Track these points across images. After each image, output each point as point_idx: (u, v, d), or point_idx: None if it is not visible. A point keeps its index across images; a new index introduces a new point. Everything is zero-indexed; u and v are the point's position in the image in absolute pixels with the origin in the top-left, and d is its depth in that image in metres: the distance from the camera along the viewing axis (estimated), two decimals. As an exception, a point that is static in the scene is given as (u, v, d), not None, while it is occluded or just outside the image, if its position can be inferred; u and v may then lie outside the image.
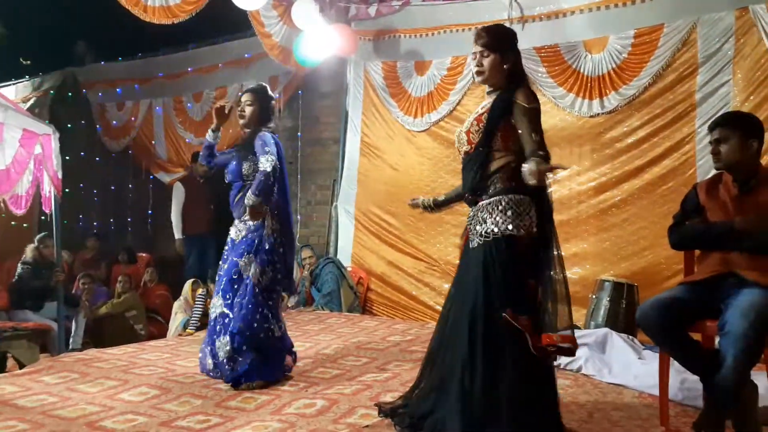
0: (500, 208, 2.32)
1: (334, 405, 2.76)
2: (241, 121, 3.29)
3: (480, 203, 2.39)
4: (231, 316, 3.12)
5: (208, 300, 4.98)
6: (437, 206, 2.82)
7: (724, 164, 2.56)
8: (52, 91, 7.80)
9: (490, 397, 2.19)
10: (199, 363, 3.31)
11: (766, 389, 2.57)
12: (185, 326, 4.89)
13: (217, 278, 3.30)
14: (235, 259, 3.20)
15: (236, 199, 3.25)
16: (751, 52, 4.14)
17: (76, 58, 8.07)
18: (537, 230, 2.33)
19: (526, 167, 2.13)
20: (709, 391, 2.37)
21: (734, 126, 2.55)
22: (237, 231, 3.29)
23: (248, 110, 3.26)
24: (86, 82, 7.80)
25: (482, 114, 2.40)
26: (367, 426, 2.48)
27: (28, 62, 7.77)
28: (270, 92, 3.37)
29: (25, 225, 6.26)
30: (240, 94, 3.33)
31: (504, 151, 2.35)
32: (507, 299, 2.25)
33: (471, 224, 2.42)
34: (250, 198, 3.06)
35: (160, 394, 2.97)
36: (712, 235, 2.54)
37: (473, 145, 2.39)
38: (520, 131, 2.31)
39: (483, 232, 2.34)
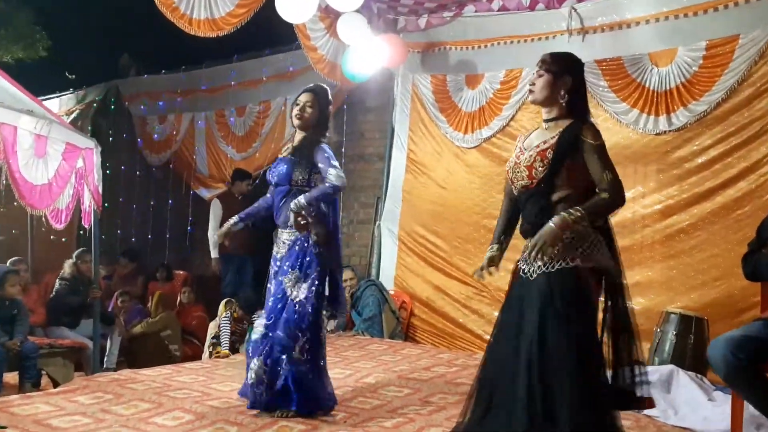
0: (566, 238, 2.33)
1: (373, 438, 2.76)
2: (297, 122, 3.23)
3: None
4: (270, 335, 3.08)
5: (233, 323, 5.07)
6: (495, 261, 2.66)
7: None
8: (95, 104, 8.17)
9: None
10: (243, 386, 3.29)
11: None
12: (214, 347, 5.00)
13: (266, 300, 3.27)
14: (281, 278, 3.16)
15: (280, 204, 3.21)
16: (837, 65, 4.00)
17: (120, 71, 8.43)
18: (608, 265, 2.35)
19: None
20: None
21: None
22: (278, 247, 3.26)
23: (309, 112, 3.21)
24: (129, 95, 8.13)
25: (546, 150, 2.40)
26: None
27: (73, 76, 8.16)
28: (330, 96, 3.35)
29: (64, 239, 6.54)
30: (299, 94, 3.28)
31: (566, 185, 2.38)
32: (571, 336, 2.25)
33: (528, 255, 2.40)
34: (299, 202, 3.05)
35: (194, 420, 3.03)
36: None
37: (534, 181, 2.41)
38: (590, 170, 2.36)
39: (545, 264, 2.34)
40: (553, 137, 2.40)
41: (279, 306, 3.13)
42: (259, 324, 3.18)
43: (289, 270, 3.14)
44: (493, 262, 2.62)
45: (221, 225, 6.06)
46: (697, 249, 4.39)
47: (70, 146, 4.75)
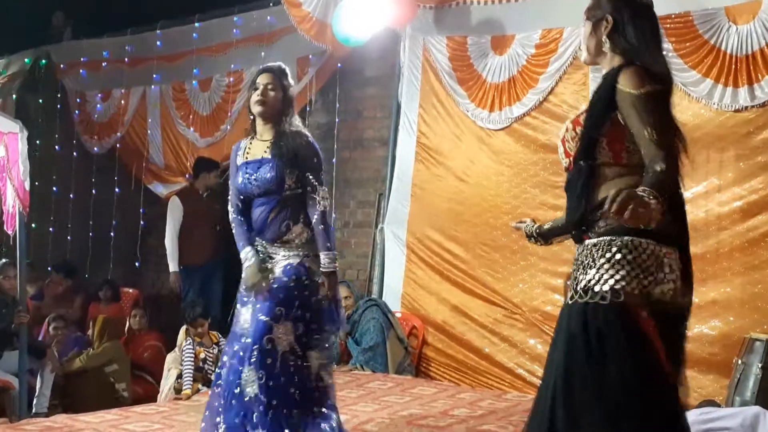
0: (610, 254, 2.24)
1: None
2: (259, 109, 3.39)
3: (586, 242, 2.33)
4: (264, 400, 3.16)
5: (200, 348, 5.11)
6: (542, 236, 2.73)
7: None
8: (20, 76, 8.20)
9: None
10: None
11: None
12: (177, 388, 5.03)
13: (233, 331, 3.37)
14: (264, 318, 3.24)
15: (270, 219, 3.35)
16: None
17: (52, 34, 8.45)
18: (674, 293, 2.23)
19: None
20: None
21: None
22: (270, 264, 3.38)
23: (272, 96, 3.37)
24: (63, 64, 8.18)
25: (580, 115, 2.38)
26: None
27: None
28: (290, 76, 3.53)
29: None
30: (255, 76, 3.48)
31: (617, 165, 2.30)
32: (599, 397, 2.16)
33: (574, 268, 2.36)
34: (332, 262, 3.30)
35: (146, 481, 3.05)
36: None
37: (571, 159, 2.36)
38: (633, 131, 2.23)
39: (583, 287, 2.25)
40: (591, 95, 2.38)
41: (268, 361, 3.20)
42: (249, 379, 3.22)
43: (282, 315, 3.24)
44: (533, 230, 2.71)
45: (182, 229, 6.24)
46: (789, 258, 4.42)
47: (-11, 131, 4.79)
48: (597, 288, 2.21)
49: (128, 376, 5.98)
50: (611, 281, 2.20)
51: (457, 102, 5.80)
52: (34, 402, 5.28)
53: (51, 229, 7.97)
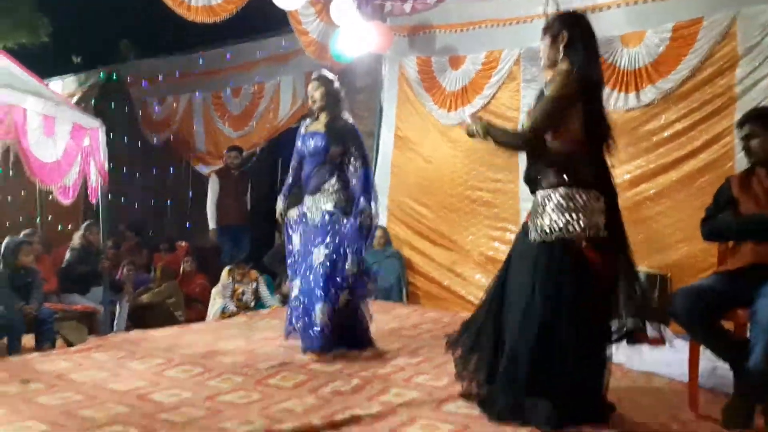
0: (554, 203, 2.30)
1: (368, 384, 2.88)
2: (315, 106, 3.56)
3: (537, 193, 2.39)
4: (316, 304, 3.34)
5: (238, 286, 5.20)
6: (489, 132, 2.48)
7: (756, 159, 2.60)
8: (96, 87, 8.13)
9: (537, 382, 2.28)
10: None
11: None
12: (223, 311, 5.11)
13: (291, 260, 3.54)
14: (318, 249, 3.39)
15: (313, 173, 3.50)
16: (792, 44, 4.11)
17: (120, 56, 8.37)
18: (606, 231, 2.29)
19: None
20: (738, 379, 2.42)
21: (763, 122, 2.58)
22: (311, 210, 3.51)
23: (318, 97, 3.54)
24: (129, 78, 8.09)
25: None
26: (400, 404, 2.59)
27: (79, 58, 8.10)
28: (331, 77, 3.64)
29: (72, 214, 6.56)
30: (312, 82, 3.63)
31: (555, 139, 2.34)
32: (560, 311, 2.26)
33: (531, 214, 2.41)
34: (366, 208, 3.43)
35: (203, 372, 3.12)
36: (744, 227, 2.58)
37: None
38: None
39: (541, 229, 2.33)
40: None
41: (309, 270, 3.40)
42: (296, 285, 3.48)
43: (332, 242, 3.39)
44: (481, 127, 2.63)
45: (219, 198, 6.28)
46: (662, 215, 4.51)
47: (77, 126, 4.77)
48: (547, 229, 2.32)
49: (183, 306, 6.01)
50: (559, 222, 2.30)
51: (424, 104, 5.83)
52: (114, 324, 5.33)
53: (122, 199, 7.95)
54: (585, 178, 2.29)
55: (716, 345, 2.51)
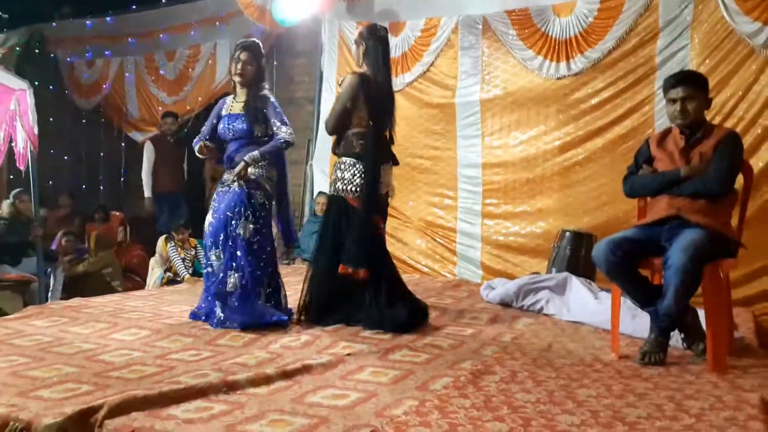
0: (338, 168, 3.38)
1: (317, 339, 3.01)
2: (239, 79, 3.38)
3: (336, 160, 3.43)
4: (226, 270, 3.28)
5: (180, 250, 5.17)
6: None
7: (691, 121, 2.73)
8: (17, 48, 7.68)
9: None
10: (196, 309, 3.47)
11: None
12: (162, 280, 5.08)
13: (209, 228, 3.42)
14: (226, 214, 3.31)
15: (234, 154, 3.37)
16: (707, 18, 4.43)
17: (44, 15, 7.92)
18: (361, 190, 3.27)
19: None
20: (654, 319, 2.69)
21: (700, 84, 2.77)
22: (226, 182, 3.42)
23: (249, 69, 3.36)
24: (54, 40, 7.70)
25: None
26: (349, 354, 2.74)
27: (6, 16, 7.59)
28: (263, 48, 3.49)
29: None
30: (236, 51, 3.42)
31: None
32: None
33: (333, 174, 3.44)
34: (254, 156, 3.26)
35: (151, 334, 3.16)
36: (661, 182, 2.83)
37: None
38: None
39: (334, 188, 3.39)
40: None
41: (229, 243, 3.30)
42: (214, 257, 3.38)
43: (236, 207, 3.30)
44: None
45: (153, 165, 6.15)
46: (589, 179, 4.81)
47: (3, 87, 4.58)
48: (333, 189, 3.38)
49: (120, 276, 5.93)
50: (338, 184, 3.34)
51: (364, 71, 5.91)
52: (49, 295, 5.20)
53: (51, 168, 7.62)
54: (353, 151, 3.31)
55: (634, 289, 2.76)
